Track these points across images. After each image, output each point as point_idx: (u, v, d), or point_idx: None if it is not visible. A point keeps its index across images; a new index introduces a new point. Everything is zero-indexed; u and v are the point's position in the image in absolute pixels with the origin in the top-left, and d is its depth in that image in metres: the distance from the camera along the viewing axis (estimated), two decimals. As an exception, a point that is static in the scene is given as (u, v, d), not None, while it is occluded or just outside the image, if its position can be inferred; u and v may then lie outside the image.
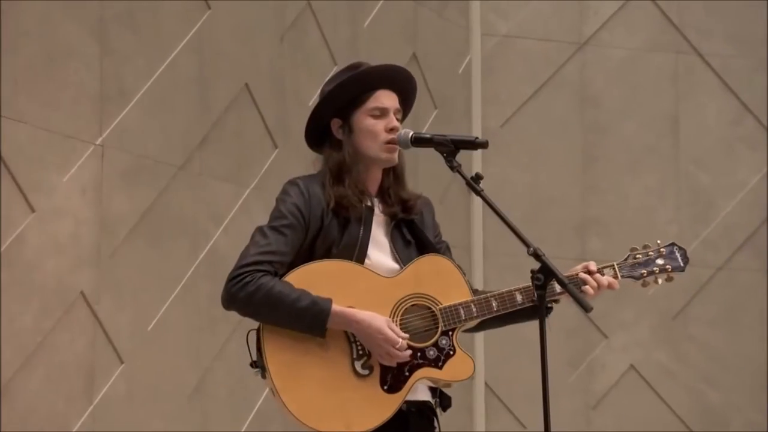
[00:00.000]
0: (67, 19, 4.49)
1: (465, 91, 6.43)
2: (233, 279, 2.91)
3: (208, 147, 5.00)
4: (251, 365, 2.94)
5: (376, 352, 2.90)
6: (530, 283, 2.96)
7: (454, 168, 2.93)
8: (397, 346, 2.89)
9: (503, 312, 3.02)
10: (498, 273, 6.22)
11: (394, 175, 3.07)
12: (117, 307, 4.57)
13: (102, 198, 4.56)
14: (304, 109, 5.30)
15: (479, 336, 6.01)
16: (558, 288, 2.98)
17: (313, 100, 5.34)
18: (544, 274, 2.79)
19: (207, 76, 5.01)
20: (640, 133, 6.60)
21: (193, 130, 4.94)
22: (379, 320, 2.90)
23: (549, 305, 3.05)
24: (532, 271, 2.80)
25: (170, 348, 4.73)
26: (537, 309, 3.00)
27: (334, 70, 5.53)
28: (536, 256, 2.79)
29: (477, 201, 6.18)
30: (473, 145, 2.96)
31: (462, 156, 2.97)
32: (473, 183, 2.90)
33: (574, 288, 2.83)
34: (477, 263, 6.29)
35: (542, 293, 2.79)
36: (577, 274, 3.04)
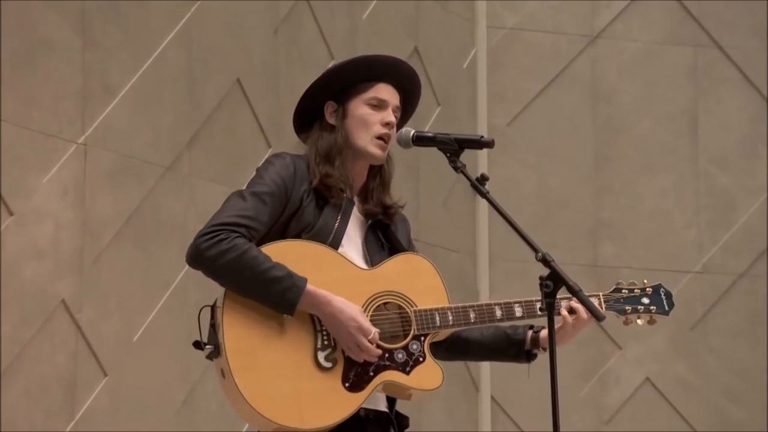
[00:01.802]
0: (47, 10, 4.50)
1: (470, 88, 6.44)
2: (205, 235, 2.87)
3: (198, 146, 5.01)
4: (195, 345, 2.90)
5: (344, 341, 2.88)
6: (512, 300, 3.03)
7: (458, 169, 2.94)
8: (370, 337, 2.88)
9: (480, 324, 3.02)
10: (505, 280, 6.22)
11: (380, 179, 3.08)
12: (100, 316, 4.58)
13: (85, 200, 4.57)
14: (300, 106, 5.31)
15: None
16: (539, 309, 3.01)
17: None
18: (554, 281, 2.80)
19: (196, 71, 5.02)
20: (656, 132, 6.61)
21: (181, 128, 4.95)
22: (353, 308, 2.89)
23: (534, 352, 3.12)
24: (541, 278, 2.81)
25: (157, 359, 4.74)
26: (520, 352, 3.10)
27: (331, 64, 5.56)
28: (545, 261, 2.80)
29: (482, 204, 6.19)
30: (478, 144, 2.98)
31: (466, 156, 2.99)
32: (478, 184, 2.91)
33: (585, 296, 2.84)
34: (482, 269, 6.30)
35: (551, 301, 2.81)
36: (559, 301, 3.04)
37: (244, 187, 2.97)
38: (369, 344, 2.88)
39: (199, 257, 2.88)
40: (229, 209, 2.92)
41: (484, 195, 2.91)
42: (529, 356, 3.13)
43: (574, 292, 2.79)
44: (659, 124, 6.62)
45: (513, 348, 3.11)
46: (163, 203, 4.84)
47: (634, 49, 6.63)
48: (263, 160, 3.04)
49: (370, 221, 3.06)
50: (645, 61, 6.63)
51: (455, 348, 3.11)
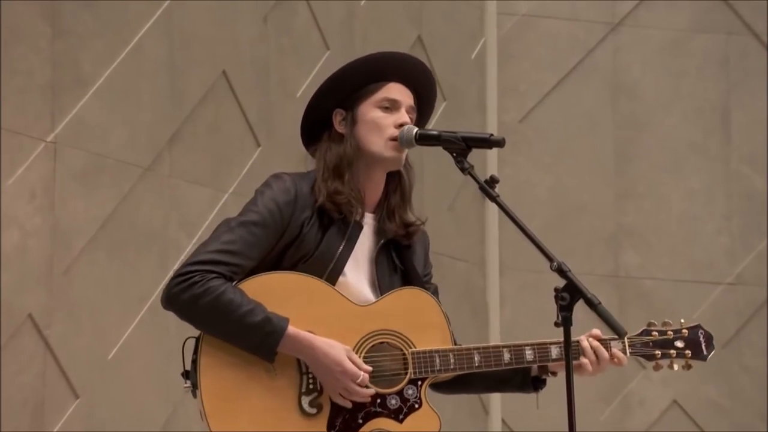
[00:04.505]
0: (14, -5, 4.52)
1: (478, 80, 6.46)
2: (179, 276, 2.91)
3: (180, 145, 5.03)
4: (183, 375, 2.95)
5: (331, 386, 2.91)
6: (522, 342, 3.03)
7: (466, 170, 2.96)
8: (358, 381, 2.91)
9: (486, 370, 3.02)
10: (517, 291, 6.23)
11: (401, 193, 3.10)
12: (71, 332, 4.59)
13: (54, 204, 4.58)
14: (291, 102, 5.34)
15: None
16: (554, 353, 3.04)
17: (302, 90, 5.39)
18: (570, 292, 2.82)
19: (178, 62, 5.04)
20: (684, 129, 6.63)
21: (161, 124, 4.97)
22: (338, 349, 2.91)
23: (543, 377, 3.13)
24: (556, 290, 2.83)
25: (134, 379, 4.75)
26: (525, 379, 3.11)
27: (326, 55, 5.58)
28: (561, 271, 2.83)
29: (492, 208, 6.20)
30: (487, 143, 3.00)
31: (474, 156, 3.01)
32: (487, 187, 2.93)
33: (605, 310, 2.85)
34: (492, 280, 6.31)
35: (567, 315, 2.83)
36: (578, 341, 3.07)
37: (238, 213, 2.99)
38: (357, 387, 2.90)
39: (172, 300, 2.93)
40: (212, 243, 2.95)
41: (493, 199, 2.93)
42: (536, 384, 3.14)
43: (593, 306, 2.81)
44: (687, 120, 6.63)
45: (518, 376, 3.12)
46: (141, 207, 4.85)
47: (660, 38, 6.64)
48: (263, 182, 3.05)
49: (382, 241, 3.07)
50: (672, 51, 6.65)
51: (455, 382, 3.11)
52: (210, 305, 2.88)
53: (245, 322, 2.88)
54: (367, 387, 2.93)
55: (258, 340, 2.88)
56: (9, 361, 4.40)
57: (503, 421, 6.23)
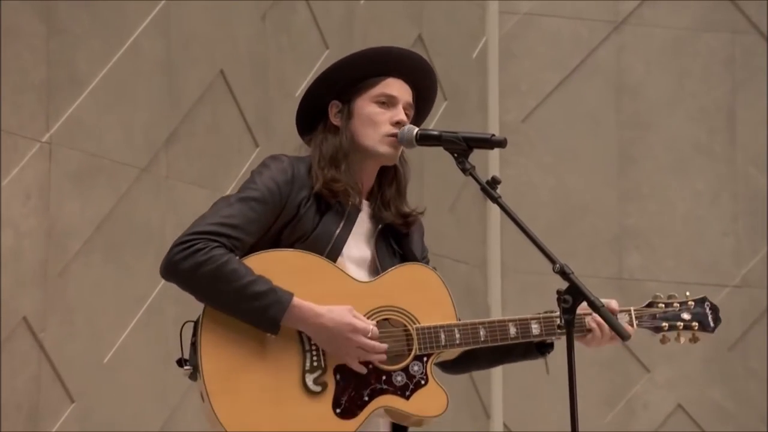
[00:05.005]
0: (8, -7, 4.52)
1: (480, 80, 6.46)
2: (180, 244, 2.91)
3: (177, 145, 5.03)
4: (178, 362, 2.94)
5: (344, 350, 2.90)
6: (528, 316, 3.05)
7: (467, 170, 2.97)
8: (369, 335, 2.90)
9: (491, 345, 3.03)
10: (519, 293, 6.24)
11: (396, 187, 3.11)
12: (66, 335, 4.59)
13: (49, 205, 4.58)
14: (290, 101, 5.33)
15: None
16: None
17: (301, 90, 5.38)
18: (573, 295, 2.83)
19: (175, 61, 5.04)
20: (689, 129, 6.63)
21: (158, 125, 4.97)
22: (342, 311, 2.92)
23: (547, 341, 3.13)
24: (559, 292, 2.84)
25: (131, 383, 4.75)
26: (529, 346, 3.11)
27: (325, 54, 5.58)
28: (563, 274, 2.83)
29: (494, 209, 6.21)
30: (489, 143, 3.01)
31: (476, 156, 3.01)
32: (489, 188, 2.94)
33: (608, 312, 2.86)
34: (494, 282, 6.32)
35: (570, 318, 2.83)
36: (583, 316, 3.07)
37: (236, 191, 3.00)
38: (371, 342, 2.90)
39: (172, 269, 2.91)
40: (212, 216, 2.94)
41: (495, 200, 2.94)
42: (541, 349, 3.14)
43: (596, 308, 2.82)
44: (692, 120, 6.63)
45: (521, 344, 3.11)
46: (137, 209, 4.85)
47: (664, 37, 6.64)
48: (260, 162, 3.06)
49: (380, 226, 3.08)
50: (676, 50, 6.65)
51: (461, 358, 3.12)
52: (213, 274, 2.87)
53: (249, 292, 2.87)
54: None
55: (262, 311, 2.87)
56: (3, 365, 4.40)
57: (505, 424, 6.22)
